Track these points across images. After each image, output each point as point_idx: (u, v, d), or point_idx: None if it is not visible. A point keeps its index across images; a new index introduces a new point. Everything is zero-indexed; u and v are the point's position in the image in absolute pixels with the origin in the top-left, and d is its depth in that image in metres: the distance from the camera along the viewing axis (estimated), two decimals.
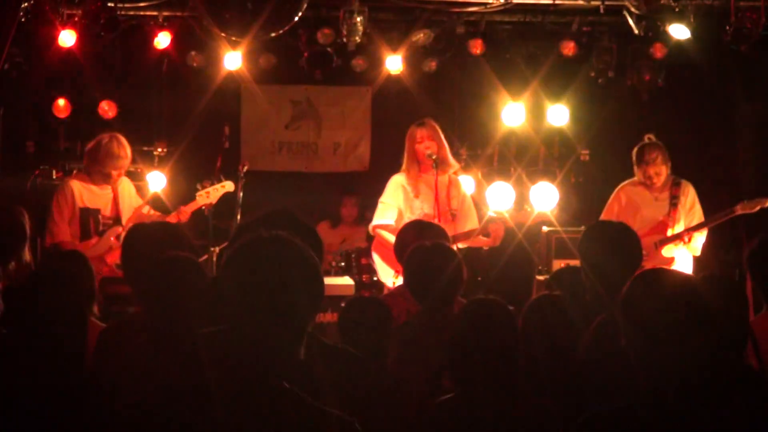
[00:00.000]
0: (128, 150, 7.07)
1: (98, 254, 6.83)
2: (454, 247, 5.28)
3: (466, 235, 6.79)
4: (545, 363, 3.66)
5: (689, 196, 7.25)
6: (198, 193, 7.27)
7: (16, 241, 5.12)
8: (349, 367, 2.95)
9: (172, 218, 7.01)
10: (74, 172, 7.35)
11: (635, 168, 7.28)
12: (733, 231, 8.23)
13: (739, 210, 6.99)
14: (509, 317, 3.50)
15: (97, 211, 7.02)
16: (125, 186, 7.19)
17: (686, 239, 7.09)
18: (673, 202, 7.21)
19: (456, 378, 3.45)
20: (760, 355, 4.01)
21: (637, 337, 2.77)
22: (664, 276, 2.86)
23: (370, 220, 8.81)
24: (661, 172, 7.18)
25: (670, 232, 7.15)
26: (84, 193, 7.01)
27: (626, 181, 7.42)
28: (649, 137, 7.32)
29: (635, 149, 7.29)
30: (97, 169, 7.01)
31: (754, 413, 2.86)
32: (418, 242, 4.76)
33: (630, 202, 7.28)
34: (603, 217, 7.30)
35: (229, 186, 7.34)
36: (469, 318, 3.50)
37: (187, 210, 7.14)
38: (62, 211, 6.94)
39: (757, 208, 6.98)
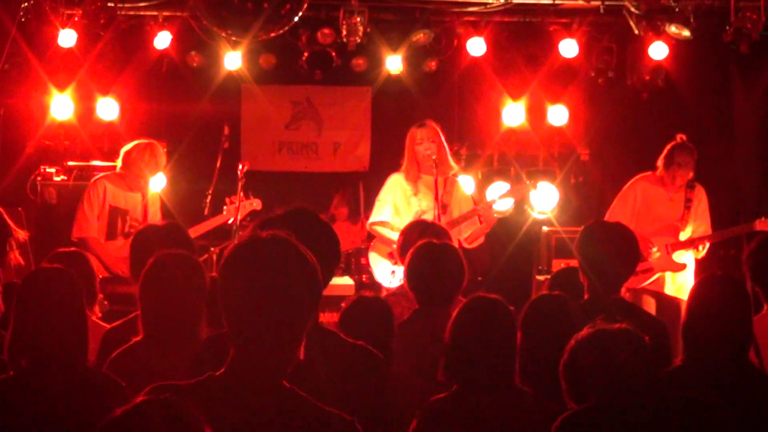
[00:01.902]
0: (160, 159, 7.11)
1: (124, 256, 6.84)
2: (456, 244, 5.28)
3: (463, 218, 6.77)
4: (545, 363, 3.65)
5: (702, 201, 7.23)
6: (226, 208, 7.28)
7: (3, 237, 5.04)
8: (363, 363, 2.96)
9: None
10: (108, 173, 7.37)
11: (662, 165, 7.15)
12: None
13: (758, 226, 6.96)
14: (509, 316, 3.49)
15: (126, 212, 7.06)
16: (155, 197, 7.24)
17: (700, 247, 7.09)
18: (687, 204, 7.19)
19: (452, 376, 3.43)
20: (760, 355, 4.01)
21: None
22: (606, 340, 2.90)
23: (366, 218, 8.83)
24: (687, 176, 7.15)
25: (682, 236, 7.14)
26: (115, 193, 7.07)
27: (640, 175, 7.34)
28: (681, 137, 7.23)
29: (669, 147, 7.15)
30: (127, 173, 7.06)
31: (757, 410, 2.88)
32: (425, 239, 4.75)
33: (645, 199, 7.22)
34: (616, 206, 7.24)
35: (257, 204, 7.36)
36: (468, 316, 3.49)
37: (201, 229, 7.16)
38: (92, 207, 7.02)
39: None
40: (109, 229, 7.02)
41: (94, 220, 7.00)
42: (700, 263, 7.23)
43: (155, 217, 7.18)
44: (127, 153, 7.11)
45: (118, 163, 7.17)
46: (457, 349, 3.43)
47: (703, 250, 7.12)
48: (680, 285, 7.11)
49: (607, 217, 7.03)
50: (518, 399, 3.37)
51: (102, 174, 7.33)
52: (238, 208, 7.25)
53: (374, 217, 7.02)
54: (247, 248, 2.41)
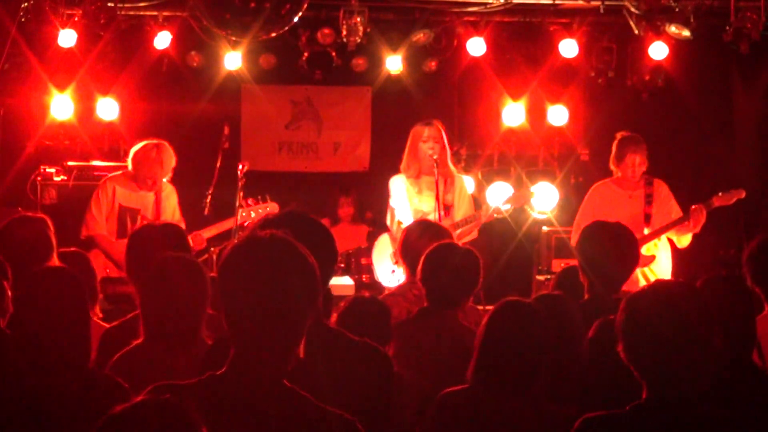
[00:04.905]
0: (169, 159, 7.06)
1: None
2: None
3: (464, 222, 6.78)
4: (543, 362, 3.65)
5: (662, 194, 7.17)
6: (241, 211, 7.23)
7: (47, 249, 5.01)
8: (368, 360, 2.97)
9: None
10: (119, 172, 7.33)
11: (613, 162, 7.13)
12: (733, 230, 8.23)
13: (716, 202, 6.94)
14: (541, 321, 3.48)
15: (137, 211, 7.04)
16: (170, 193, 7.20)
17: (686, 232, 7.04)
18: (648, 200, 7.17)
19: (477, 372, 3.42)
20: (762, 356, 4.01)
21: (641, 348, 2.73)
22: (668, 286, 2.84)
23: (368, 219, 8.82)
24: (641, 167, 7.09)
25: (646, 231, 7.11)
26: (125, 192, 7.05)
27: (597, 183, 7.32)
28: (623, 134, 7.22)
29: (616, 142, 7.12)
30: (136, 173, 7.05)
31: (761, 412, 2.86)
32: (436, 241, 4.75)
33: (604, 201, 7.16)
34: (580, 219, 7.06)
35: (273, 207, 7.30)
36: (503, 317, 3.47)
37: (214, 230, 7.15)
38: (100, 206, 7.00)
39: (734, 200, 6.95)
40: (119, 228, 7.00)
41: (102, 219, 6.98)
42: (680, 259, 7.17)
43: (171, 214, 7.14)
44: (135, 153, 7.09)
45: (129, 162, 7.17)
46: (489, 351, 3.42)
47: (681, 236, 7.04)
48: None
49: (573, 230, 7.04)
50: (536, 406, 3.35)
51: (113, 174, 7.31)
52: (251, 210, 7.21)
53: (393, 223, 6.98)
54: (246, 248, 2.42)
